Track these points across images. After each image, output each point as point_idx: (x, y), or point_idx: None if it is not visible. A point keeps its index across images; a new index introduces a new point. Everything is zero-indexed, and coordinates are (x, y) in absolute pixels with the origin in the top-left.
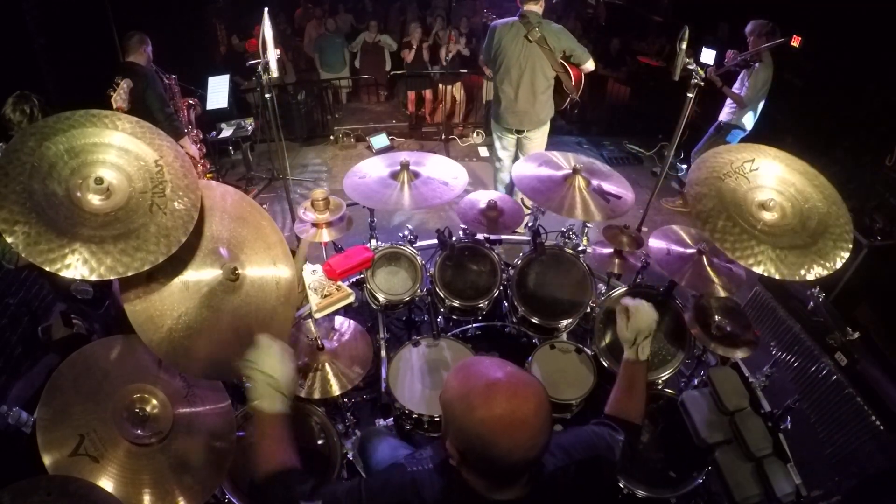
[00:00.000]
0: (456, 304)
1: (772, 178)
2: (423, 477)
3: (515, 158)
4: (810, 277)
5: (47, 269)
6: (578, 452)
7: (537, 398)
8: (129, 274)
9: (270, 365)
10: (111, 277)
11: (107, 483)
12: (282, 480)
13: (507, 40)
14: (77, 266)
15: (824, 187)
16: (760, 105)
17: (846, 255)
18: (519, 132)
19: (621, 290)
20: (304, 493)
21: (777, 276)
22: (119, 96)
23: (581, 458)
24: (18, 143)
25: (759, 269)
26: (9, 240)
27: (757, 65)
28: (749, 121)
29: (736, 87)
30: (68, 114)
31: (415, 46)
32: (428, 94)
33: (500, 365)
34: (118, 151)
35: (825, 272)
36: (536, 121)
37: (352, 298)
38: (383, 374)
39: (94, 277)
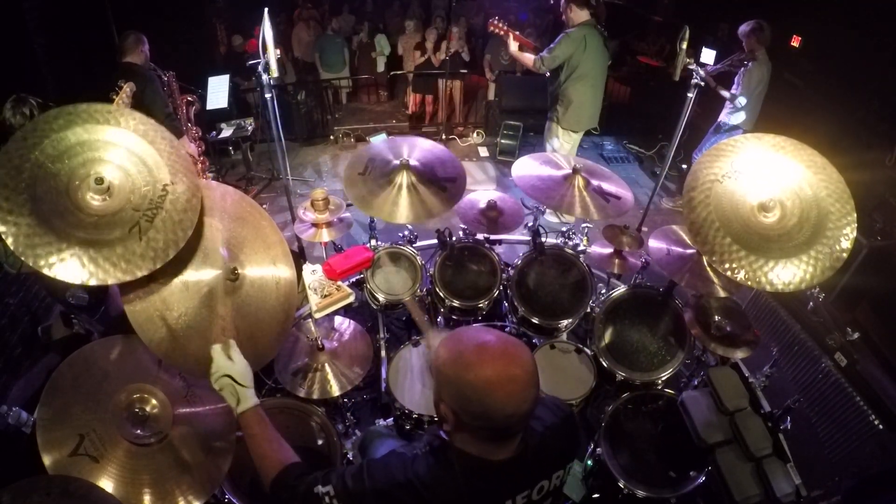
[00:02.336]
0: (456, 304)
1: (769, 170)
2: (420, 458)
3: None
4: (815, 281)
5: (42, 267)
6: (551, 417)
7: (525, 355)
8: (67, 279)
9: (223, 367)
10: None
11: (107, 483)
12: (289, 479)
13: (593, 46)
14: (69, 266)
15: (821, 168)
16: (758, 105)
17: (851, 234)
18: (585, 132)
19: (621, 289)
20: (316, 479)
21: (780, 289)
22: (122, 100)
23: (555, 421)
24: (39, 125)
25: (752, 284)
26: (8, 240)
27: (750, 64)
28: (746, 120)
29: (733, 88)
30: (108, 108)
31: (418, 44)
32: (429, 97)
33: (487, 330)
34: (135, 159)
35: (829, 272)
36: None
37: (352, 298)
38: (383, 374)
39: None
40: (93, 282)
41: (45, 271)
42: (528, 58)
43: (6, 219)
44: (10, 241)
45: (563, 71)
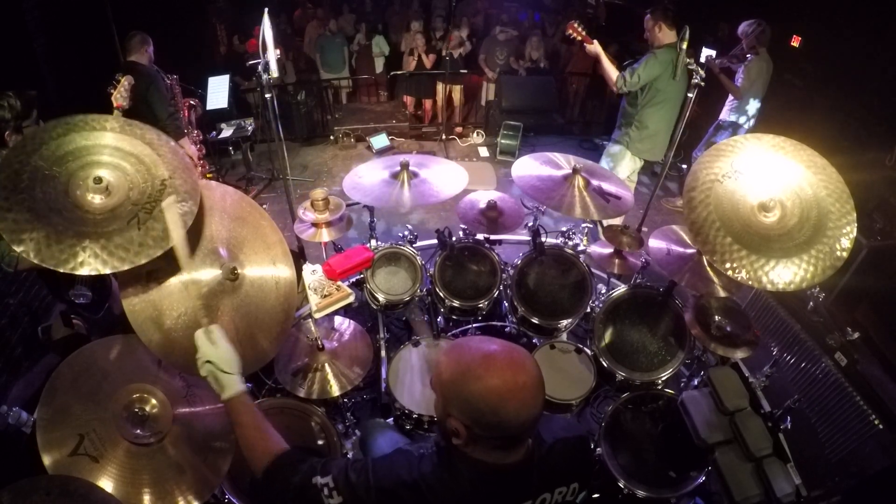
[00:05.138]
0: (456, 304)
1: (770, 170)
2: (426, 458)
3: None
4: (817, 280)
5: (61, 269)
6: (563, 432)
7: (530, 360)
8: (59, 268)
9: (206, 353)
10: (34, 261)
11: (106, 483)
12: (284, 465)
13: (682, 71)
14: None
15: (821, 168)
16: (758, 102)
17: (851, 234)
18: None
19: (621, 289)
20: (315, 468)
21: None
22: (119, 94)
23: (567, 436)
24: (31, 138)
25: (753, 283)
26: (18, 249)
27: (751, 57)
28: (747, 118)
29: (736, 83)
30: (106, 117)
31: (419, 53)
32: (427, 102)
33: (489, 339)
34: (132, 159)
35: (830, 271)
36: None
37: (352, 298)
38: (383, 374)
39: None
40: (89, 271)
41: (41, 264)
42: (612, 74)
43: (19, 230)
44: (31, 255)
45: (643, 93)
